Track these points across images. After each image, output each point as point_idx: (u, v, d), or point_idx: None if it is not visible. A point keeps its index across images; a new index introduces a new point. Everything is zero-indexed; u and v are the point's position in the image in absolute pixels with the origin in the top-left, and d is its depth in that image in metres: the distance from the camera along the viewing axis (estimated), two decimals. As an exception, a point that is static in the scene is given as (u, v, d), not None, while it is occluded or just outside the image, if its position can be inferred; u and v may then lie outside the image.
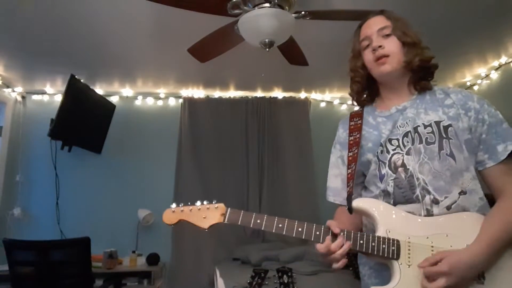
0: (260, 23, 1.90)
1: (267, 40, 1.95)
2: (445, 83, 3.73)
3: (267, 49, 1.99)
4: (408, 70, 1.09)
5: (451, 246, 0.92)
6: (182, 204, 1.06)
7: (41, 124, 3.30)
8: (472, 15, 2.39)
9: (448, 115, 1.02)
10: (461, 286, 0.88)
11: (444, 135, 0.99)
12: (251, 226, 0.99)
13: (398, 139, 1.03)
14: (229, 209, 1.02)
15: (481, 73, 3.36)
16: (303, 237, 0.96)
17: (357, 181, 1.12)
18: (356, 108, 1.24)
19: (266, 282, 2.11)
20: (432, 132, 1.00)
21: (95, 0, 2.16)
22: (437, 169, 0.97)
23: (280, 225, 0.97)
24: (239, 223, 1.00)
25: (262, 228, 0.98)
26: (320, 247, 0.93)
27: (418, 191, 0.96)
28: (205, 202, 1.05)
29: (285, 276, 2.03)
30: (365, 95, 1.20)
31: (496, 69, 3.22)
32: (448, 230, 0.93)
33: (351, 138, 1.12)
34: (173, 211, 1.05)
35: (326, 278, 2.39)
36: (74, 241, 2.47)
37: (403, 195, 0.98)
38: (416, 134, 1.01)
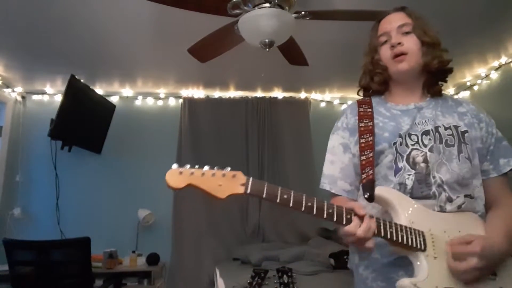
0: (260, 23, 1.89)
1: (267, 40, 1.95)
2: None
3: (267, 49, 1.99)
4: (425, 71, 1.08)
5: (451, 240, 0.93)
6: (189, 166, 0.85)
7: (41, 124, 3.30)
8: (472, 15, 2.39)
9: (464, 122, 1.05)
10: (480, 277, 0.89)
11: (462, 140, 1.01)
12: (277, 201, 0.84)
13: (417, 135, 1.02)
14: (251, 179, 0.86)
15: (481, 73, 3.36)
16: (334, 220, 0.86)
17: (358, 170, 1.07)
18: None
19: (266, 282, 2.11)
20: (452, 135, 1.02)
21: (95, 0, 2.16)
22: (455, 170, 0.98)
23: (310, 204, 0.85)
24: (263, 196, 0.84)
25: (290, 205, 0.84)
26: (349, 228, 0.85)
27: (434, 188, 0.96)
28: (215, 168, 0.86)
29: (285, 276, 2.03)
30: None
31: (496, 69, 3.21)
32: (459, 227, 0.95)
33: (362, 124, 1.07)
34: (181, 172, 0.84)
35: (326, 278, 2.39)
36: (74, 241, 2.47)
37: (421, 190, 0.97)
38: (437, 133, 1.01)
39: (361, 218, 0.86)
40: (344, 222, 0.86)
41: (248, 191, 0.85)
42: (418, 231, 0.91)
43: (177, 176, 0.84)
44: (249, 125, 3.83)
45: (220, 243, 3.46)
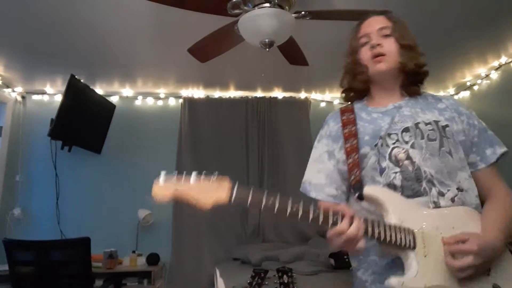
0: (260, 23, 1.90)
1: (267, 40, 1.95)
2: (445, 83, 3.73)
3: (267, 49, 1.99)
4: (401, 72, 1.11)
5: (443, 238, 0.93)
6: (176, 174, 0.87)
7: (41, 124, 3.31)
8: (472, 15, 2.39)
9: (444, 117, 1.07)
10: (476, 273, 0.89)
11: (443, 134, 1.03)
12: (262, 208, 0.84)
13: (396, 134, 1.03)
14: (236, 186, 0.84)
15: (481, 73, 3.36)
16: (320, 222, 0.85)
17: (346, 176, 1.09)
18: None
19: (266, 282, 2.11)
20: (433, 129, 1.03)
21: (96, 0, 2.16)
22: (439, 165, 0.99)
23: (295, 209, 0.86)
24: (247, 204, 0.84)
25: (275, 212, 0.85)
26: (339, 227, 0.84)
27: (424, 184, 0.97)
28: (202, 175, 0.86)
29: (285, 276, 2.02)
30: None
31: (496, 69, 3.22)
32: (453, 223, 0.95)
33: (346, 130, 1.10)
34: (165, 185, 0.85)
35: (326, 278, 2.39)
36: (74, 241, 2.47)
37: (411, 188, 0.97)
38: (417, 130, 1.03)
39: (350, 218, 0.86)
40: (330, 223, 0.86)
41: (232, 201, 0.83)
42: (408, 229, 0.91)
43: (162, 188, 0.85)
44: (249, 125, 3.84)
45: (220, 243, 3.46)
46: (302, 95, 4.03)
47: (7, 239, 2.40)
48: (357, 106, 1.18)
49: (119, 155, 3.61)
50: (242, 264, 2.98)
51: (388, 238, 0.88)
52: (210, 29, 2.11)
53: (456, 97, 3.74)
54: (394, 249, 0.91)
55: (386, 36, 1.11)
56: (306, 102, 4.02)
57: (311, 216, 0.85)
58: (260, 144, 3.80)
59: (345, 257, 2.53)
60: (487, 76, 3.33)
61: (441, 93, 3.88)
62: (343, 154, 1.08)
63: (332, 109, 4.06)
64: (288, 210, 0.85)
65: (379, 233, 0.88)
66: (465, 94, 3.66)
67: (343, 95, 1.23)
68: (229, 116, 3.81)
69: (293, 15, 1.96)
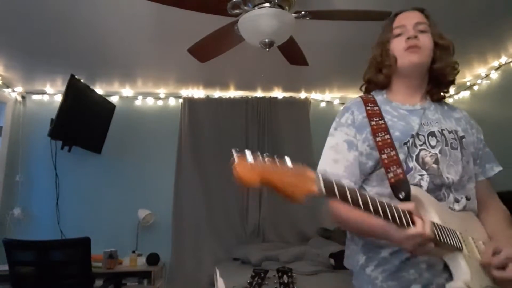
0: (260, 23, 1.90)
1: (267, 40, 1.95)
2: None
3: (267, 49, 1.99)
4: (431, 74, 1.11)
5: (472, 239, 0.97)
6: (250, 153, 0.67)
7: (41, 124, 3.31)
8: (472, 15, 2.39)
9: (460, 127, 1.09)
10: None
11: (462, 144, 1.05)
12: (350, 202, 0.76)
13: (424, 136, 1.03)
14: (320, 176, 0.72)
15: (481, 73, 3.36)
16: (398, 223, 0.81)
17: (368, 170, 1.05)
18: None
19: (266, 282, 2.11)
20: (455, 139, 1.05)
21: (96, 0, 2.16)
22: (460, 173, 1.01)
23: (378, 203, 0.80)
24: (337, 197, 0.74)
25: (360, 205, 0.77)
26: (418, 230, 0.80)
27: (444, 190, 0.99)
28: (276, 159, 0.70)
29: (285, 276, 2.03)
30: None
31: (496, 69, 3.21)
32: (465, 226, 0.97)
33: (373, 123, 1.04)
34: (251, 166, 0.65)
35: (326, 278, 2.39)
36: (74, 241, 2.47)
37: (433, 191, 0.97)
38: (442, 136, 1.03)
39: (421, 219, 0.83)
40: (406, 225, 0.81)
41: (319, 190, 0.71)
42: (453, 230, 0.90)
43: (249, 169, 0.65)
44: (249, 125, 3.84)
45: (220, 243, 3.46)
46: (302, 95, 4.03)
47: (7, 239, 2.40)
48: (379, 98, 1.13)
49: (119, 155, 3.61)
50: (242, 264, 2.98)
51: (443, 239, 0.86)
52: (210, 29, 2.11)
53: (456, 97, 3.73)
54: (441, 250, 0.88)
55: (422, 31, 1.08)
56: (306, 102, 4.02)
57: (389, 217, 0.80)
58: (260, 144, 3.80)
59: (345, 257, 2.52)
60: (487, 76, 3.33)
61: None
62: (367, 147, 1.04)
63: (332, 109, 4.06)
64: (371, 207, 0.79)
65: (437, 234, 0.85)
66: (465, 94, 3.66)
67: (363, 88, 1.20)
68: (229, 116, 3.81)
69: (293, 15, 1.96)
